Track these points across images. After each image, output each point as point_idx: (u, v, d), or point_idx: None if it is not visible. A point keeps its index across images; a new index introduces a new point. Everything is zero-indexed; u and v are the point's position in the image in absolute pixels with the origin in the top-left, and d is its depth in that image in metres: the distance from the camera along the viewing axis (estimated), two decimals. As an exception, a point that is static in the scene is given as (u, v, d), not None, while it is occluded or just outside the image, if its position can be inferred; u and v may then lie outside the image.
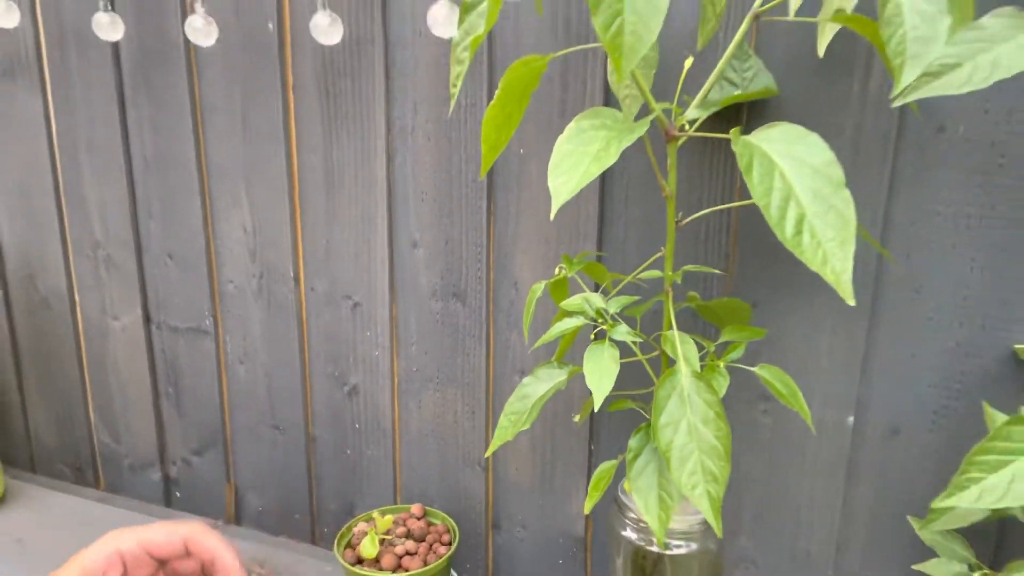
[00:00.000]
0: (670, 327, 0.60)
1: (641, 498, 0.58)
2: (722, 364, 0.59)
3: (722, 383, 0.57)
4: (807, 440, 0.80)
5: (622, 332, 0.58)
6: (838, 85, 0.71)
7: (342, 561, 0.79)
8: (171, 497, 1.24)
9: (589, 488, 0.63)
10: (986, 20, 0.45)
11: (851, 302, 0.46)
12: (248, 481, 1.16)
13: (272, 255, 1.02)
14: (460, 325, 0.94)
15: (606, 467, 0.63)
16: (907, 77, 0.45)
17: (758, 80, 0.72)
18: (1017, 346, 0.69)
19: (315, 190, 0.97)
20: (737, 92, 0.70)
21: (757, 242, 0.78)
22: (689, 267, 0.67)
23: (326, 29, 0.80)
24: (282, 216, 1.00)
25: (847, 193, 0.48)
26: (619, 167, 0.82)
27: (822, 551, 0.82)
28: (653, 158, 0.61)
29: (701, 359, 0.60)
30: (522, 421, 0.62)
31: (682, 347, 0.57)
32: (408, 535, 0.83)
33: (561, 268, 0.69)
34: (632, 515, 0.68)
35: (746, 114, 0.75)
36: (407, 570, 0.77)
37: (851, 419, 0.77)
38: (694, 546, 0.67)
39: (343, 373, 1.04)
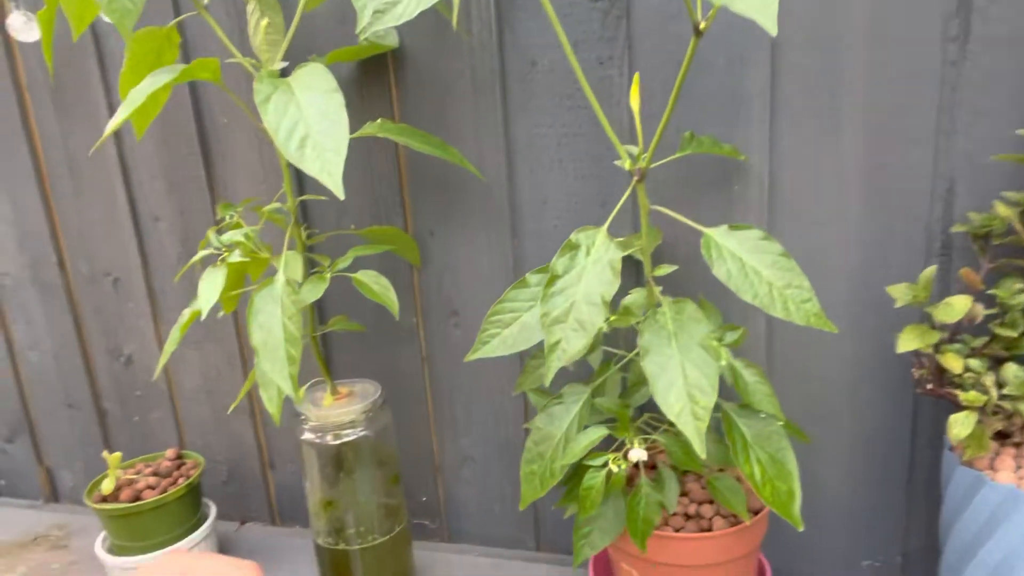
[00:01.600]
0: (291, 248, 0.71)
1: (265, 393, 0.69)
2: (328, 274, 0.70)
3: (320, 287, 0.69)
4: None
5: (237, 255, 0.69)
6: (451, 36, 0.83)
7: (89, 503, 0.89)
8: (-4, 487, 1.31)
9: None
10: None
11: (341, 196, 0.57)
12: (58, 461, 1.24)
13: (37, 243, 1.10)
14: (207, 286, 1.04)
15: (252, 374, 0.74)
16: (365, 16, 0.57)
17: (388, 38, 0.83)
18: (612, 238, 0.82)
19: (62, 178, 1.06)
20: (365, 45, 0.82)
21: (425, 179, 0.90)
22: (305, 197, 0.78)
23: (22, 28, 0.89)
24: (37, 205, 1.08)
25: (344, 114, 0.59)
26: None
27: (517, 435, 0.95)
28: (241, 102, 0.72)
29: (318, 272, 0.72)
30: (174, 341, 0.73)
31: (287, 262, 0.68)
32: (155, 473, 0.93)
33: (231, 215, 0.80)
34: (303, 417, 0.80)
35: (391, 64, 0.87)
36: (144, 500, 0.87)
37: (513, 320, 0.90)
38: (362, 431, 0.79)
39: (117, 346, 1.12)
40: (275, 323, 0.65)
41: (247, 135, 0.95)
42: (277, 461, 1.10)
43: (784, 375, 0.81)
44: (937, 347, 0.62)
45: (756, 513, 0.68)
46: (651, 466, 0.76)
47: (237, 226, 0.81)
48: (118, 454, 0.89)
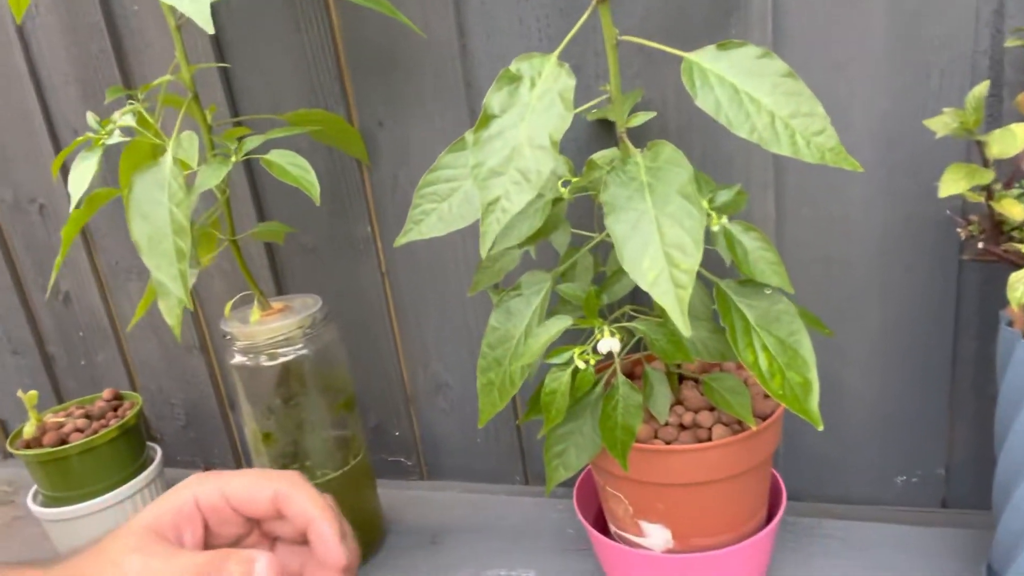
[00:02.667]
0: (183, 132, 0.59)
1: (163, 302, 0.57)
2: (235, 158, 0.58)
3: (221, 169, 0.56)
4: (458, 258, 0.80)
5: (116, 136, 0.56)
6: None
7: (11, 450, 0.79)
8: (-47, 446, 1.22)
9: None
10: None
11: (209, 30, 0.44)
12: (11, 413, 1.15)
13: (-46, 172, 0.99)
14: (140, 207, 0.92)
15: (150, 285, 0.62)
16: None
17: None
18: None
19: (-31, 93, 0.93)
20: None
21: (367, 60, 0.76)
22: (196, 66, 0.65)
23: None
24: (-54, 128, 0.96)
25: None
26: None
27: (492, 359, 0.83)
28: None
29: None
30: (63, 251, 0.61)
31: (178, 141, 0.56)
32: (87, 416, 0.83)
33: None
34: (229, 337, 0.68)
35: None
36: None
37: (477, 219, 0.77)
38: (300, 350, 0.68)
39: (54, 283, 1.01)
40: (161, 211, 0.53)
41: (162, 22, 0.82)
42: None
43: (799, 260, 0.68)
44: (989, 195, 0.49)
45: (764, 419, 0.56)
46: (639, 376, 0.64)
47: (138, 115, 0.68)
48: (34, 393, 0.79)
